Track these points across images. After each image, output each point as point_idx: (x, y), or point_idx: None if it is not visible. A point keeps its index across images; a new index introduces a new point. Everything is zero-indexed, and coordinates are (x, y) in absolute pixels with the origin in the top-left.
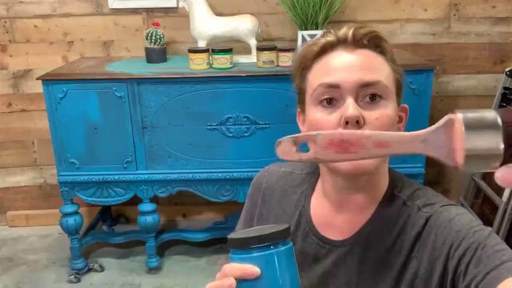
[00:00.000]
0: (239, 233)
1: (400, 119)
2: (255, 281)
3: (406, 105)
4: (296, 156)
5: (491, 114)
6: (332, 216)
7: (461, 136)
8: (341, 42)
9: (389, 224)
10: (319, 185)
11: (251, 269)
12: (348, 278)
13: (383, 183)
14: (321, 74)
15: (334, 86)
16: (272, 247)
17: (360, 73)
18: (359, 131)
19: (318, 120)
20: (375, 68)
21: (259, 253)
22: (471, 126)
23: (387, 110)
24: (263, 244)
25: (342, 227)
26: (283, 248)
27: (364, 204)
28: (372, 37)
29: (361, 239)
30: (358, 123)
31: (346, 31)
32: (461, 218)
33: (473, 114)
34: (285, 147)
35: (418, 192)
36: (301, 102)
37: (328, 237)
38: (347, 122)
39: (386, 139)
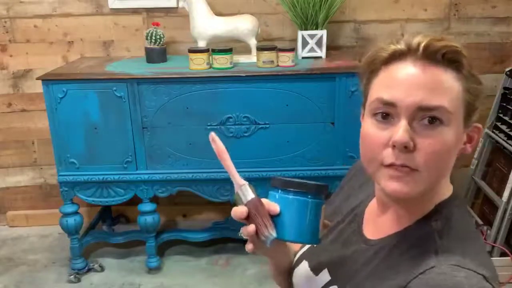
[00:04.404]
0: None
1: (470, 139)
2: (278, 218)
3: (479, 125)
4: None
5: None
6: (376, 214)
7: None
8: (411, 52)
9: (404, 244)
10: None
11: (273, 206)
12: (359, 271)
13: (427, 205)
14: (383, 86)
15: (390, 104)
16: (303, 195)
17: (420, 94)
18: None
19: (369, 135)
20: (440, 89)
21: (284, 195)
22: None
23: (444, 136)
24: (298, 190)
25: (379, 228)
26: (310, 200)
27: (402, 213)
28: (448, 51)
29: (383, 246)
30: (406, 147)
31: (420, 40)
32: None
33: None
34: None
35: (453, 232)
36: (364, 105)
37: (364, 232)
38: (394, 146)
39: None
